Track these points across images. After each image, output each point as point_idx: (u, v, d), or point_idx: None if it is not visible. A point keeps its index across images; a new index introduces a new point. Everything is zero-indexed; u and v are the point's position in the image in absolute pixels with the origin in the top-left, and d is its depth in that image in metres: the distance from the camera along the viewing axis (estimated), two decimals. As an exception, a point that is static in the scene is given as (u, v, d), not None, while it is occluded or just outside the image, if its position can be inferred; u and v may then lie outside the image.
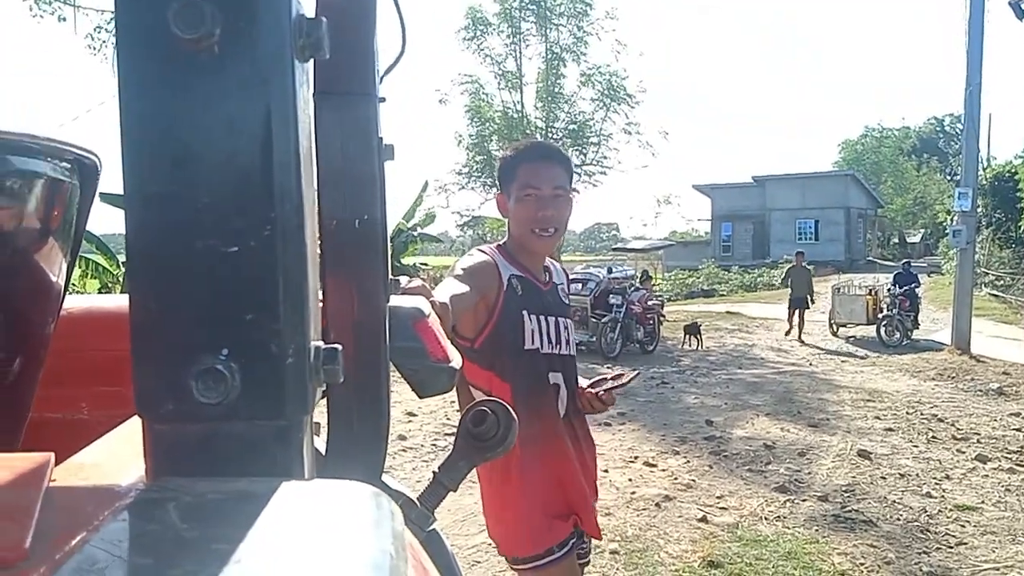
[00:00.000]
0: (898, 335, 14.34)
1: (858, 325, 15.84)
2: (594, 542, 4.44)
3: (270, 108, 0.51)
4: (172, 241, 0.49)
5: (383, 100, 1.16)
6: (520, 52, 20.34)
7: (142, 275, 0.49)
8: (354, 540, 0.37)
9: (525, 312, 2.21)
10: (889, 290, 15.47)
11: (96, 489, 0.48)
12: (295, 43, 0.52)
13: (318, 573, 0.34)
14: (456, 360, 1.45)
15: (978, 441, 6.80)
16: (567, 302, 2.47)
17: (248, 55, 0.50)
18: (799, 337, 15.06)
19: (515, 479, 2.22)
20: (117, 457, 0.67)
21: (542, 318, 2.26)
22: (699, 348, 13.68)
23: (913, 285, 15.39)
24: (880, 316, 14.81)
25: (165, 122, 0.49)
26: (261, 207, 0.50)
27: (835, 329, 16.22)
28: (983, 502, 5.20)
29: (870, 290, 16.36)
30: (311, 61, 0.56)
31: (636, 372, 2.50)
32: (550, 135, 20.12)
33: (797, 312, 15.35)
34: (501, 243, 2.36)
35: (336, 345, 0.55)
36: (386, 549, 0.37)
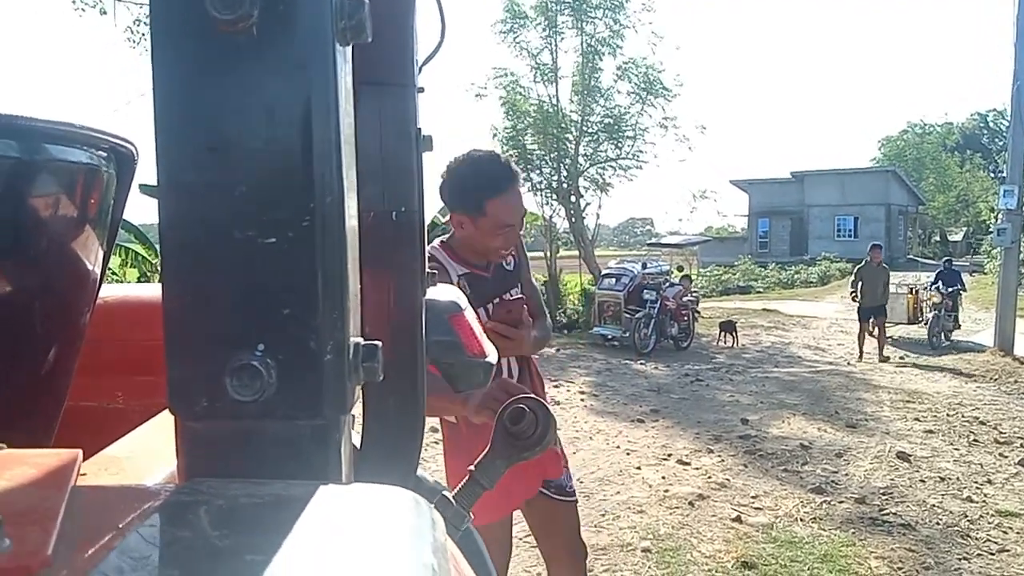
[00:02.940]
0: (942, 336, 13.78)
1: (898, 324, 15.20)
2: (622, 533, 4.42)
3: (310, 93, 0.48)
4: (207, 232, 0.47)
5: (422, 90, 1.14)
6: (556, 45, 20.23)
7: (176, 267, 0.48)
8: (396, 553, 0.35)
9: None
10: (937, 288, 14.43)
11: (125, 489, 0.46)
12: (336, 25, 0.50)
13: None
14: (492, 355, 1.43)
15: (1021, 445, 6.63)
16: (510, 268, 2.49)
17: (288, 38, 0.48)
18: (880, 356, 12.35)
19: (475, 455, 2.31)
20: (149, 451, 0.65)
21: (488, 306, 2.33)
22: (734, 345, 13.54)
23: (958, 287, 14.61)
24: (921, 316, 14.25)
25: (201, 108, 0.47)
26: (300, 197, 0.48)
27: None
28: (1027, 508, 5.08)
29: (911, 289, 15.66)
30: (352, 45, 0.54)
31: (519, 297, 2.46)
32: (585, 128, 20.00)
33: (875, 324, 12.74)
34: (444, 240, 2.39)
35: (376, 341, 0.52)
36: (428, 563, 0.35)
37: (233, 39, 0.47)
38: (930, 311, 14.22)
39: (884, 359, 12.21)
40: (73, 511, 0.40)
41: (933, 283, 14.87)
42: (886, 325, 13.45)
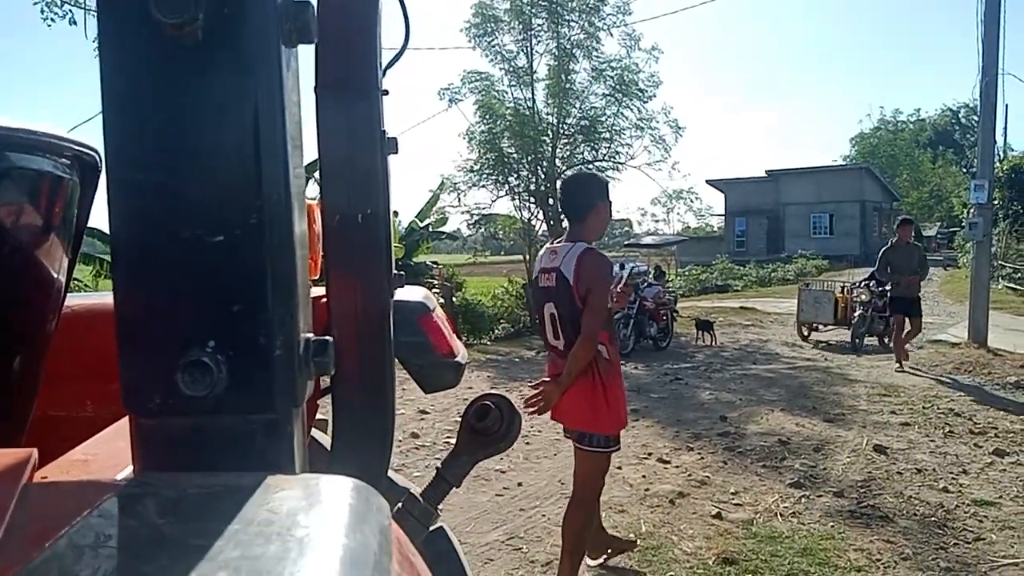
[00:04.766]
0: (875, 340, 12.55)
1: (827, 327, 13.91)
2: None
3: (257, 95, 0.49)
4: (156, 231, 0.48)
5: (386, 93, 1.15)
6: (531, 48, 20.24)
7: (126, 266, 0.48)
8: (336, 536, 0.36)
9: None
10: (868, 286, 12.56)
11: (76, 485, 0.47)
12: (282, 28, 0.51)
13: (296, 570, 0.33)
14: (462, 355, 1.44)
15: (996, 435, 6.73)
16: None
17: (234, 41, 0.49)
18: (899, 362, 10.35)
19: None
20: (111, 453, 0.66)
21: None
22: (713, 344, 13.62)
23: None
24: (852, 317, 12.60)
25: (148, 110, 0.48)
26: (247, 195, 0.49)
27: (806, 333, 14.02)
28: (1001, 497, 5.15)
29: (841, 287, 14.06)
30: (299, 47, 0.55)
31: None
32: (561, 131, 20.03)
33: (908, 321, 10.25)
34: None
35: (327, 337, 0.53)
36: (369, 545, 0.36)
37: (179, 42, 0.48)
38: (857, 310, 12.70)
39: (900, 368, 10.25)
40: (24, 506, 0.41)
41: (866, 280, 12.91)
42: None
